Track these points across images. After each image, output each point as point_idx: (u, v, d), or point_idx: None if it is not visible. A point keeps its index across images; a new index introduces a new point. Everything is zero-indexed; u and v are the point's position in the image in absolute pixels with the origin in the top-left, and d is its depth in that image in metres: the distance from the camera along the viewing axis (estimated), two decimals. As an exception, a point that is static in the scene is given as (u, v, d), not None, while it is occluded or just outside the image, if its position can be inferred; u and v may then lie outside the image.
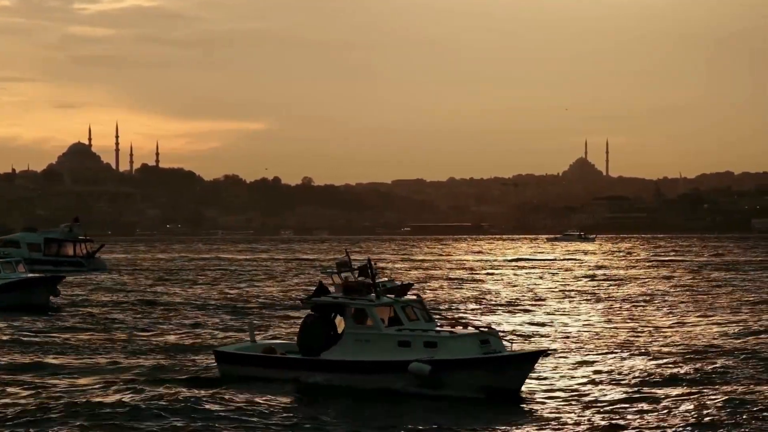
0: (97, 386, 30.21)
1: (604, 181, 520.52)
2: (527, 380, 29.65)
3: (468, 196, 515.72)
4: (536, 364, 30.35)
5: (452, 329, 29.65)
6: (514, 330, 45.03)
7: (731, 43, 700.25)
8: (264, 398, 27.83)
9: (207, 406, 26.88)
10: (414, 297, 31.36)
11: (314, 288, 61.98)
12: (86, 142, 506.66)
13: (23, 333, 45.64)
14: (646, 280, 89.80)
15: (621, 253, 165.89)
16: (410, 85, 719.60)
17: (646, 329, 47.20)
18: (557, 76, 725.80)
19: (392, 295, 30.54)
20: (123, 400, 27.77)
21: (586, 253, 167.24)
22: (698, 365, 34.86)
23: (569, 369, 34.39)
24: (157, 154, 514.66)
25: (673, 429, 25.23)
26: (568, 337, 43.77)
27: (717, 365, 34.99)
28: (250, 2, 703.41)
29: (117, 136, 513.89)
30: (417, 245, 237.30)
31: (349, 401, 28.05)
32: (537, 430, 25.50)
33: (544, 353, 31.05)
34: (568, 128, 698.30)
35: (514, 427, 25.67)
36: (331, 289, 60.71)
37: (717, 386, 31.00)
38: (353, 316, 29.33)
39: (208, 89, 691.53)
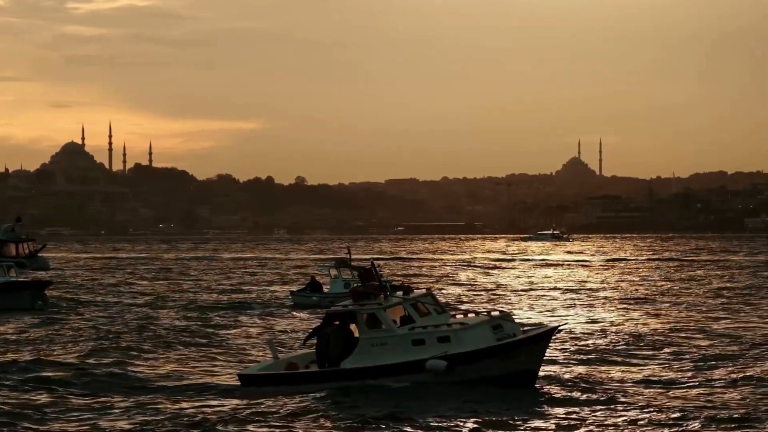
0: (105, 394, 29.99)
1: (597, 180, 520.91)
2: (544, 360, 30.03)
3: (461, 195, 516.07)
4: (550, 342, 30.52)
5: (464, 319, 29.90)
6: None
7: (725, 43, 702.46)
8: (284, 404, 27.90)
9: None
10: (423, 291, 31.21)
11: (307, 283, 63.62)
12: (79, 142, 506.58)
13: (13, 334, 45.47)
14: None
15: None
16: (404, 85, 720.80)
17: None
18: (551, 76, 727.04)
19: (401, 293, 30.44)
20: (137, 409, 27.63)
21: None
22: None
23: (584, 352, 34.68)
24: (150, 153, 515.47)
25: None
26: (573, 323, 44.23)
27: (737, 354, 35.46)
28: (244, 2, 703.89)
29: (110, 136, 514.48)
30: (407, 246, 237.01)
31: (365, 396, 28.25)
32: (553, 415, 25.68)
33: (557, 330, 31.20)
34: (561, 128, 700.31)
35: (529, 413, 25.81)
36: (324, 285, 61.58)
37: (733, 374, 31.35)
38: (366, 322, 29.43)
39: (201, 89, 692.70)
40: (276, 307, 58.85)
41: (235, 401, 28.39)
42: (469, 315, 30.77)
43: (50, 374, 33.08)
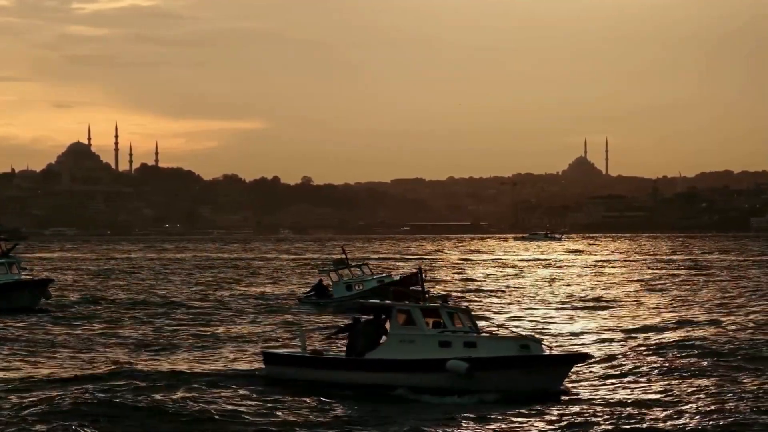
0: (131, 386, 29.97)
1: (603, 180, 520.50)
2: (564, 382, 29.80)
3: (466, 195, 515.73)
4: (574, 367, 30.39)
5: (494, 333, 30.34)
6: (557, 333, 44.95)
7: (730, 42, 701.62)
8: (300, 397, 28.07)
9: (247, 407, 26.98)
10: (463, 306, 31.74)
11: (312, 286, 63.57)
12: (83, 142, 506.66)
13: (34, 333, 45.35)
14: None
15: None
16: (409, 85, 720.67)
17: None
18: (557, 76, 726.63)
19: (439, 302, 30.88)
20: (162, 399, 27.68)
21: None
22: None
23: (602, 370, 34.49)
24: (157, 153, 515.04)
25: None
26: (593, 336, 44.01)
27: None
28: (248, 2, 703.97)
29: (116, 136, 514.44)
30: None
31: (381, 399, 28.41)
32: (567, 429, 25.45)
33: (584, 357, 31.23)
34: (567, 128, 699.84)
35: (545, 427, 25.60)
36: (329, 286, 61.47)
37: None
38: (399, 319, 29.99)
39: (202, 89, 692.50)
40: (284, 310, 58.81)
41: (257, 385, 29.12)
42: (501, 331, 31.07)
43: (68, 373, 33.15)
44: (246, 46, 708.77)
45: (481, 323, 33.35)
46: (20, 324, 49.38)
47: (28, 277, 64.50)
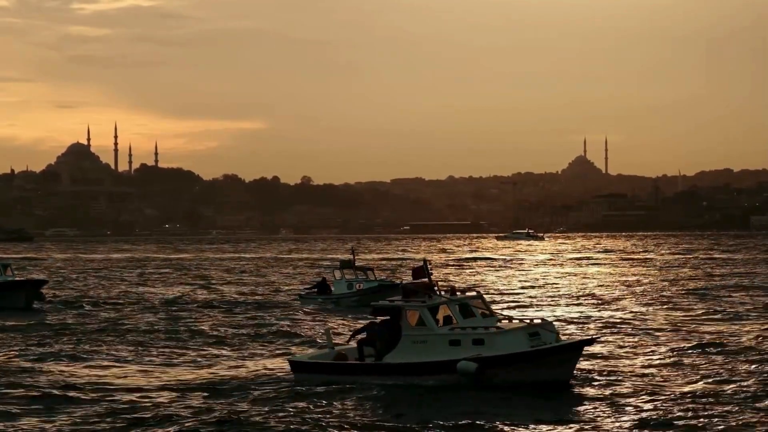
0: (153, 392, 29.96)
1: (603, 179, 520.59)
2: (576, 369, 30.08)
3: (466, 194, 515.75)
4: (582, 353, 30.61)
5: (501, 324, 30.31)
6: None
7: (730, 42, 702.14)
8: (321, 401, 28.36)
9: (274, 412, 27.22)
10: (474, 293, 31.56)
11: (316, 283, 63.90)
12: (85, 143, 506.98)
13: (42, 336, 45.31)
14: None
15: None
16: (410, 85, 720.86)
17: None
18: (556, 75, 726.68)
19: (447, 293, 30.91)
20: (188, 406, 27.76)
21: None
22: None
23: (616, 357, 34.77)
24: (156, 153, 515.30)
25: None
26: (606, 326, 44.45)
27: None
28: (248, 2, 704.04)
29: (116, 136, 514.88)
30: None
31: (397, 396, 28.74)
32: (583, 420, 25.56)
33: (590, 341, 31.54)
34: (567, 127, 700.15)
35: (561, 418, 25.71)
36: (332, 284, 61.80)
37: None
38: (409, 319, 30.18)
39: (204, 89, 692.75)
40: (285, 307, 59.03)
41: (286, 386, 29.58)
42: (513, 321, 31.10)
43: (85, 372, 33.43)
44: (246, 46, 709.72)
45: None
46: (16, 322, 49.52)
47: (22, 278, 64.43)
